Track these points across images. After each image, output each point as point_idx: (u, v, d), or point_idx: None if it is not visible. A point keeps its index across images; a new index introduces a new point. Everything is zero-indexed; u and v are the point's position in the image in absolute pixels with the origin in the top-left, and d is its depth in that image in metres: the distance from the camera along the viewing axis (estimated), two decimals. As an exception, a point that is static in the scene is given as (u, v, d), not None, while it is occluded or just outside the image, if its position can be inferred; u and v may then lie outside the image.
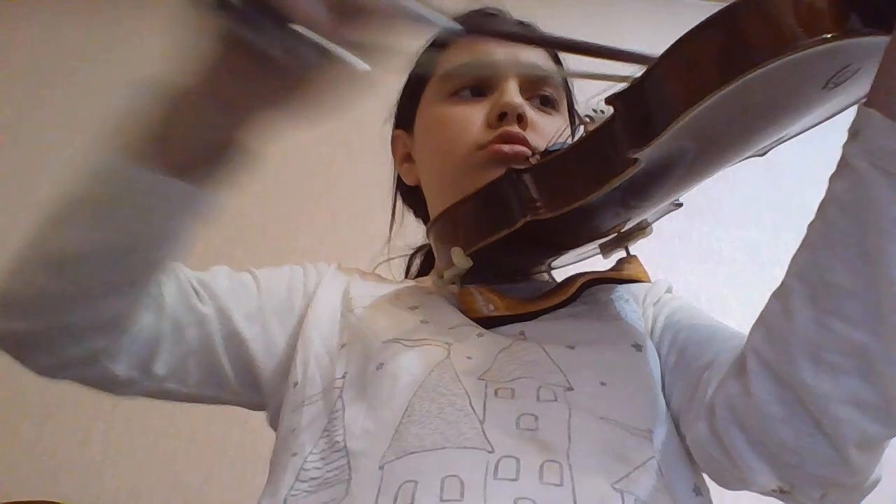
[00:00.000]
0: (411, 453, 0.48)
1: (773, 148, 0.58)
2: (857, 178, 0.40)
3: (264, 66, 0.42)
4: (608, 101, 0.47)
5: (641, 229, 0.67)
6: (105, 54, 1.71)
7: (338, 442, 0.51)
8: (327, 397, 0.56)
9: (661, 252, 1.45)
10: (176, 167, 0.47)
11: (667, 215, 0.69)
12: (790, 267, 0.45)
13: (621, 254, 0.69)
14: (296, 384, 0.60)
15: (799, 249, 0.44)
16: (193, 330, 0.59)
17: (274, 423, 0.63)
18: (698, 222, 1.57)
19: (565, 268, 0.76)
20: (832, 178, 0.42)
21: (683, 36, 0.43)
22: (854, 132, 0.41)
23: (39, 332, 0.51)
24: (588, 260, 0.74)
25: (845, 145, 0.41)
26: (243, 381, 0.62)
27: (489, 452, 0.47)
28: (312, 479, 0.50)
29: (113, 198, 0.48)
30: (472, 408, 0.50)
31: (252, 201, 1.56)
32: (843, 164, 0.41)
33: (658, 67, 0.44)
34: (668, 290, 0.70)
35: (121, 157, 0.47)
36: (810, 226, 0.44)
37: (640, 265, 0.68)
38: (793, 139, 0.58)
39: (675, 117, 0.42)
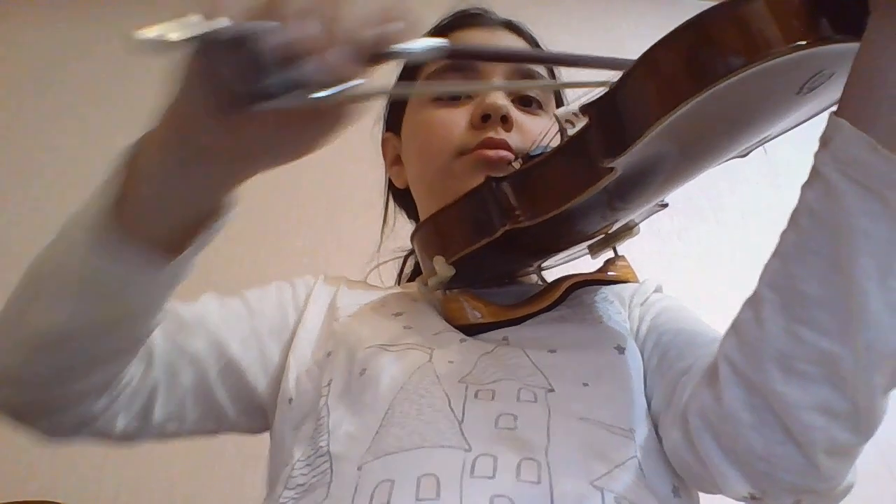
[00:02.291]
0: (389, 454, 0.48)
1: (755, 149, 0.58)
2: (827, 188, 0.40)
3: (286, 124, 0.40)
4: (583, 109, 0.47)
5: (629, 229, 0.67)
6: (104, 53, 1.71)
7: (322, 447, 0.51)
8: (314, 405, 0.56)
9: (661, 252, 1.45)
10: (162, 241, 0.45)
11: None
12: (762, 275, 0.45)
13: (610, 254, 0.69)
14: (290, 400, 0.60)
15: (771, 258, 0.44)
16: (188, 370, 0.59)
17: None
18: (698, 222, 1.56)
19: (556, 268, 0.76)
20: (804, 187, 0.42)
21: (655, 44, 0.42)
22: (825, 141, 0.41)
23: (31, 403, 0.52)
24: (578, 260, 0.74)
25: (816, 154, 0.41)
26: (241, 410, 0.63)
27: (466, 451, 0.47)
28: (299, 485, 0.51)
29: (95, 283, 0.45)
30: (452, 409, 0.50)
31: (251, 201, 1.55)
32: (815, 173, 0.41)
33: (631, 76, 0.44)
34: (657, 290, 0.70)
35: (99, 237, 0.43)
36: (782, 234, 0.44)
37: (628, 265, 0.68)
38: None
39: (649, 126, 0.42)
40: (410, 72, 0.74)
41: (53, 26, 1.76)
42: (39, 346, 0.48)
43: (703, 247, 1.53)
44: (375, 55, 0.37)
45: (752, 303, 0.45)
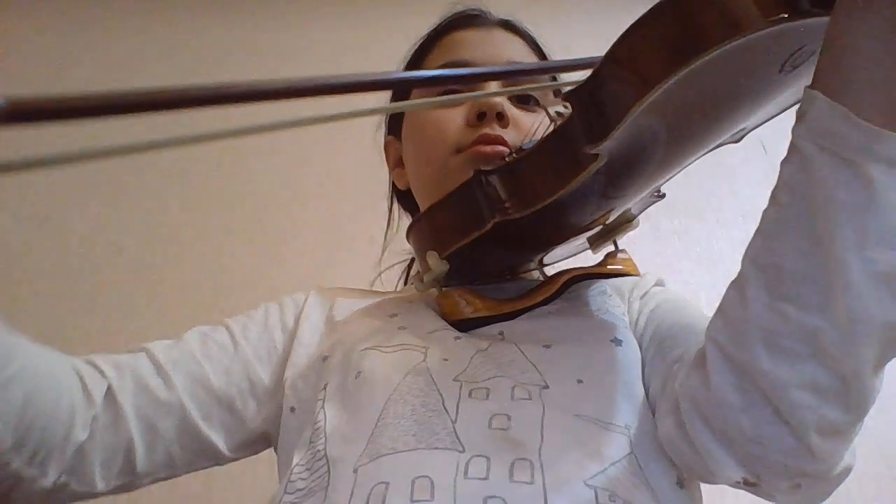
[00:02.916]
0: (384, 455, 0.48)
1: (746, 134, 0.58)
2: (803, 161, 0.40)
3: None
4: (565, 98, 0.47)
5: (627, 221, 0.66)
6: (102, 58, 1.71)
7: (319, 451, 0.51)
8: (312, 410, 0.57)
9: (660, 252, 1.45)
10: None
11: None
12: (745, 254, 0.44)
13: (611, 248, 0.69)
14: (293, 409, 0.60)
15: (754, 236, 0.44)
16: (167, 418, 0.58)
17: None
18: (698, 222, 1.56)
19: (558, 264, 0.76)
20: (783, 163, 0.42)
21: (632, 25, 0.42)
22: (800, 114, 0.41)
23: None
24: (580, 256, 0.73)
25: (793, 129, 0.41)
26: (235, 442, 0.62)
27: (460, 452, 0.47)
28: (298, 490, 0.50)
29: None
30: (445, 408, 0.50)
31: (252, 201, 1.55)
32: (792, 147, 0.41)
33: (609, 59, 0.44)
34: (658, 284, 0.70)
35: None
36: (764, 213, 0.43)
37: (629, 258, 0.68)
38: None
39: (629, 109, 0.42)
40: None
41: (53, 29, 1.76)
42: None
43: (703, 247, 1.53)
44: None
45: (737, 283, 0.45)
